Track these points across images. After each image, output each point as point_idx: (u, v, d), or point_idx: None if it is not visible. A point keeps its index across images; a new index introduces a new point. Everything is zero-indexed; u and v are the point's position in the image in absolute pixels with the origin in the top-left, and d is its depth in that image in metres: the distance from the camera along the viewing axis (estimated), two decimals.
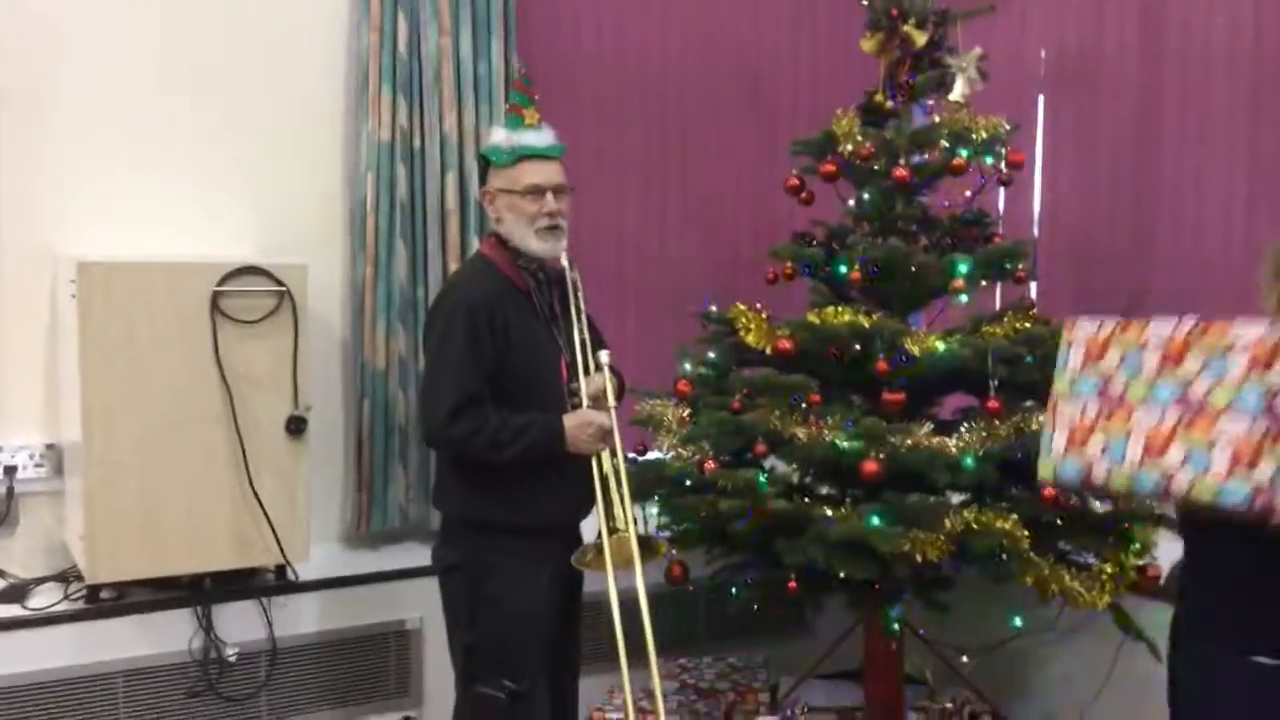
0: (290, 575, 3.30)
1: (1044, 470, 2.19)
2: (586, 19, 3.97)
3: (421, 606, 3.45)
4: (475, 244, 3.56)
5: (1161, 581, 2.86)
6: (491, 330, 2.69)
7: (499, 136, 2.83)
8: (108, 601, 3.14)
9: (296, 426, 3.17)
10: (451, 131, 3.55)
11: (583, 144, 3.78)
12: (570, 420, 2.70)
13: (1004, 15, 3.83)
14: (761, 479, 2.98)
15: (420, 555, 3.40)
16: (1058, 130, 3.92)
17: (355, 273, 3.55)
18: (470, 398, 2.66)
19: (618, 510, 2.65)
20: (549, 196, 2.76)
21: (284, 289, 3.13)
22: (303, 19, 3.51)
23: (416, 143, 3.55)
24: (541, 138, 2.81)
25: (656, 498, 3.26)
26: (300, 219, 3.53)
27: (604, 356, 2.78)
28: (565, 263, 2.80)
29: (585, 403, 2.73)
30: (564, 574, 2.82)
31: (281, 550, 3.17)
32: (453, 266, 3.56)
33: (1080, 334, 2.16)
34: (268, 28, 3.46)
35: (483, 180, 2.88)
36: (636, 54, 4.06)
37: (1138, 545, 2.95)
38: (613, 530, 2.64)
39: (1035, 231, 3.95)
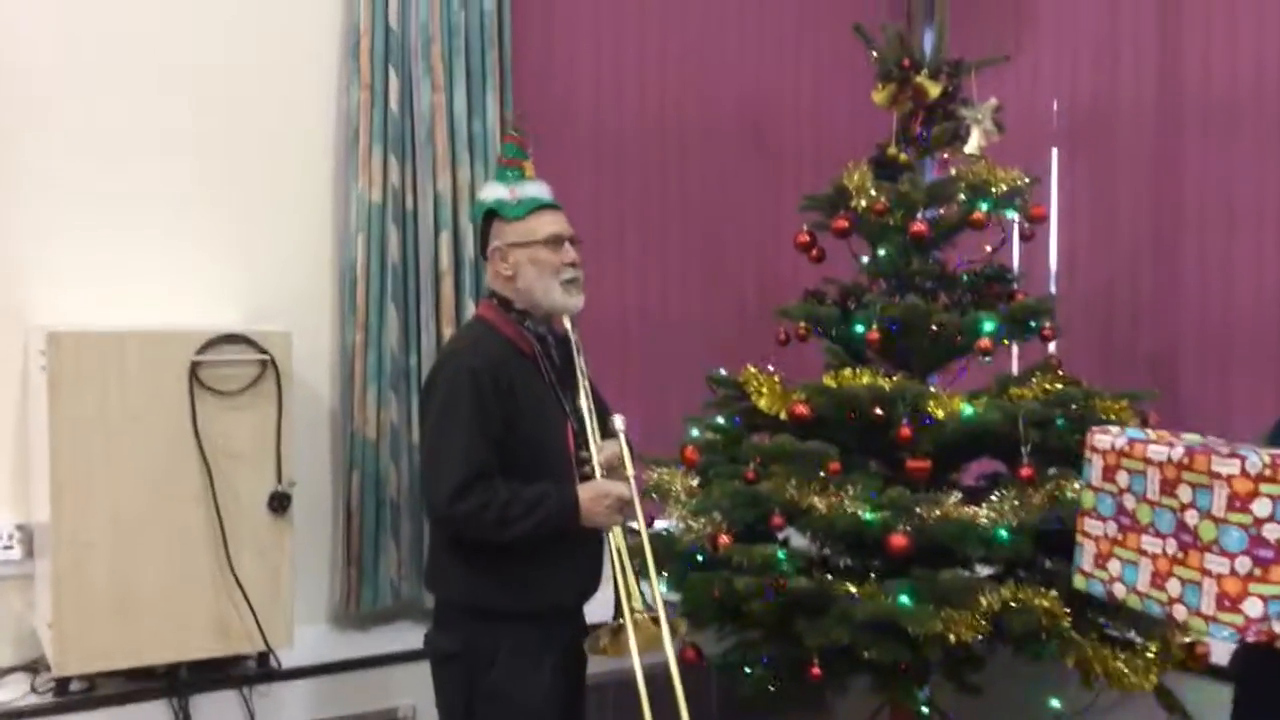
0: (273, 663, 3.10)
1: (1077, 583, 2.29)
2: (584, 71, 3.84)
3: (414, 693, 3.24)
4: (471, 307, 3.39)
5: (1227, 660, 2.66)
6: (498, 396, 2.50)
7: (500, 191, 2.66)
8: (77, 694, 2.93)
9: (280, 504, 3.00)
10: (445, 190, 3.40)
11: (580, 199, 3.63)
12: (585, 492, 2.51)
13: (1016, 67, 3.74)
14: (780, 554, 2.79)
15: (413, 637, 3.19)
16: (1073, 183, 3.80)
17: (344, 339, 3.38)
18: (478, 471, 2.46)
19: (633, 588, 2.45)
20: (568, 246, 2.61)
21: (267, 357, 2.97)
22: (290, 76, 3.37)
23: (409, 203, 3.40)
24: (544, 190, 2.66)
25: (665, 573, 3.07)
26: (286, 283, 3.36)
27: (618, 422, 2.59)
28: (568, 324, 2.62)
29: (599, 472, 2.55)
30: (568, 662, 2.62)
31: (263, 636, 2.99)
32: (447, 331, 3.39)
33: (1100, 445, 2.20)
34: (252, 85, 3.32)
35: (483, 238, 2.70)
36: (636, 107, 3.93)
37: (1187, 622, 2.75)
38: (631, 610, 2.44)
39: (1053, 288, 3.81)
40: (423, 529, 3.39)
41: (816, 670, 2.79)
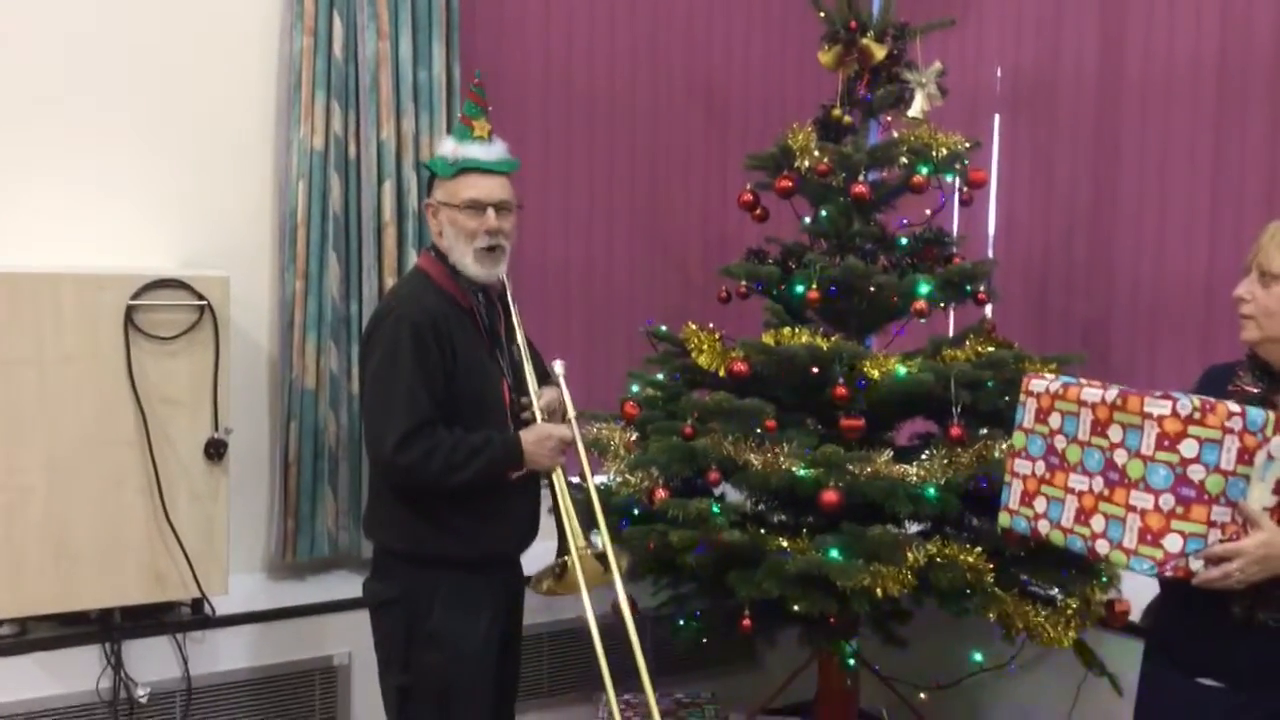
0: (208, 610, 3.09)
1: (1002, 520, 2.31)
2: (534, 26, 3.80)
3: (350, 642, 3.25)
4: (413, 258, 3.38)
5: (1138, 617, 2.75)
6: (439, 348, 2.50)
7: (446, 147, 2.66)
8: (9, 638, 2.91)
9: (216, 450, 2.98)
10: (389, 140, 3.36)
11: (527, 155, 3.61)
12: (528, 435, 2.55)
13: (960, 33, 3.77)
14: (715, 509, 2.83)
15: (350, 586, 3.22)
16: (1014, 149, 3.85)
17: (284, 287, 3.35)
18: (421, 420, 2.47)
19: (576, 527, 2.52)
20: (490, 213, 2.58)
21: (204, 303, 2.94)
22: (232, 19, 3.31)
23: (352, 151, 3.36)
24: (489, 151, 2.63)
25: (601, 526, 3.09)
26: (225, 230, 3.33)
27: (558, 367, 2.64)
28: (504, 279, 2.63)
29: (540, 416, 2.59)
30: (506, 609, 2.66)
31: (198, 583, 2.97)
32: (389, 281, 3.37)
33: (1034, 389, 2.25)
34: (194, 28, 3.26)
35: (428, 191, 2.70)
36: (585, 63, 3.91)
37: (1105, 579, 2.84)
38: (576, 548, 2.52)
39: (990, 252, 3.87)
40: (360, 478, 3.39)
41: (747, 622, 2.84)
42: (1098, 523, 2.04)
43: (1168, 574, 1.95)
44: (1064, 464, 2.13)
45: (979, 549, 2.71)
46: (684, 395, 3.15)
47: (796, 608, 2.73)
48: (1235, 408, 1.94)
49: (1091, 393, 2.09)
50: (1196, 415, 1.92)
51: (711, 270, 3.42)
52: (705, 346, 3.11)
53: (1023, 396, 2.25)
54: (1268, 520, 1.95)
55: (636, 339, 3.41)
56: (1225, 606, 2.03)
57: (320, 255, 3.33)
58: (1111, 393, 2.06)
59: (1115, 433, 2.02)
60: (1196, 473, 1.93)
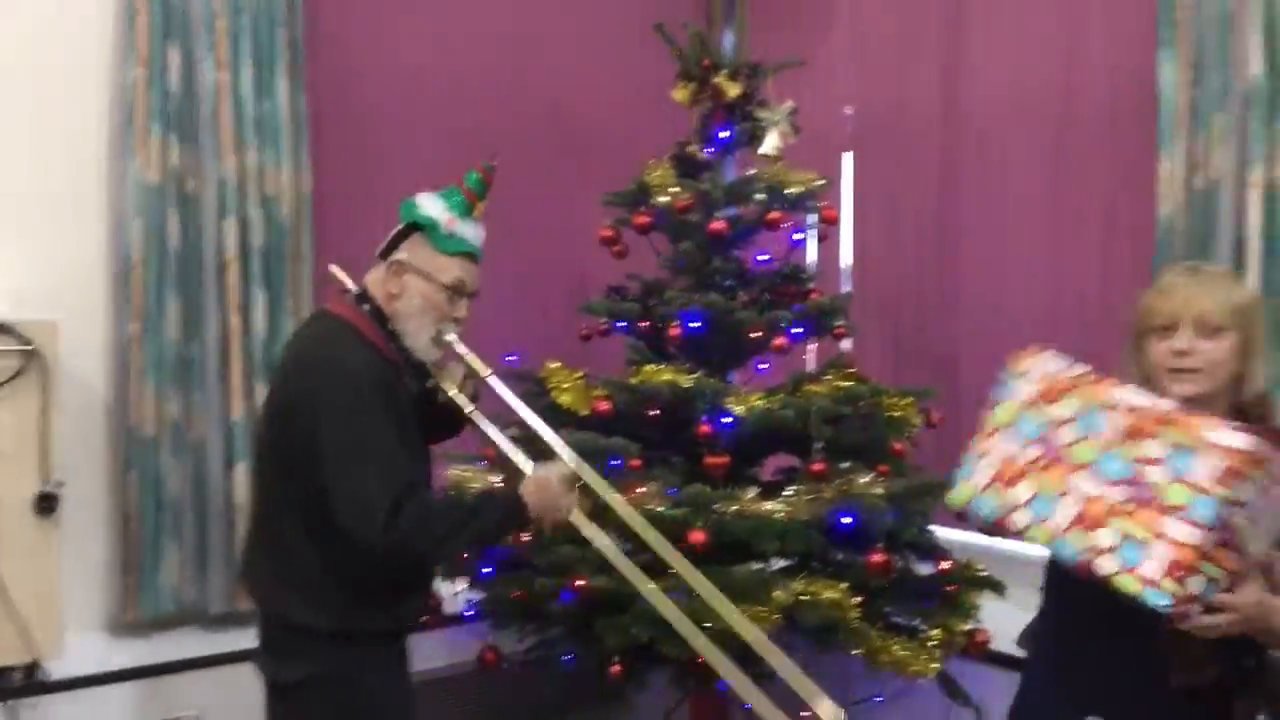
0: (42, 674, 2.82)
1: (959, 496, 1.96)
2: (386, 55, 3.60)
3: (199, 702, 2.99)
4: (259, 297, 3.15)
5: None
6: (395, 407, 2.20)
7: (440, 212, 2.32)
8: None
9: (46, 504, 2.72)
10: (230, 174, 3.12)
11: (379, 189, 3.41)
12: (526, 488, 2.25)
13: (811, 74, 3.72)
14: (577, 554, 2.68)
15: (198, 643, 2.99)
16: (865, 187, 3.83)
17: (119, 329, 3.07)
18: (408, 485, 2.13)
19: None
20: (465, 302, 2.33)
21: (31, 348, 2.69)
22: (63, 48, 3.03)
23: (191, 186, 3.11)
24: (480, 237, 2.38)
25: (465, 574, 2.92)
26: (56, 271, 3.02)
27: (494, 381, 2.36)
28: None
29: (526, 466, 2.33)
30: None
31: (31, 646, 2.71)
32: (233, 321, 3.12)
33: (1039, 369, 1.95)
34: (23, 59, 2.96)
35: (394, 240, 2.34)
36: (439, 95, 3.72)
37: (966, 609, 2.80)
38: None
39: (846, 288, 3.84)
40: (206, 531, 3.13)
41: (618, 669, 2.70)
42: (1107, 537, 1.76)
43: (1175, 615, 1.71)
44: (1067, 460, 1.84)
45: (844, 584, 2.63)
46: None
47: (665, 652, 2.59)
48: (1215, 421, 1.75)
49: (1133, 395, 1.83)
50: (1259, 455, 1.69)
51: (573, 307, 3.28)
52: (567, 385, 2.97)
53: (1015, 372, 1.97)
54: (1258, 576, 1.79)
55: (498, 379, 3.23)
56: (1127, 644, 1.91)
57: (158, 295, 3.06)
58: (1166, 403, 1.81)
59: (1156, 449, 1.75)
60: (1238, 518, 1.71)
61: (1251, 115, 2.80)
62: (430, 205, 2.34)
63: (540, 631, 2.99)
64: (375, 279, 2.32)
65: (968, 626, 2.79)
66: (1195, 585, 1.70)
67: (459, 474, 2.97)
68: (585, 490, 2.35)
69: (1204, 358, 1.92)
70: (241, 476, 3.15)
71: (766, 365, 3.21)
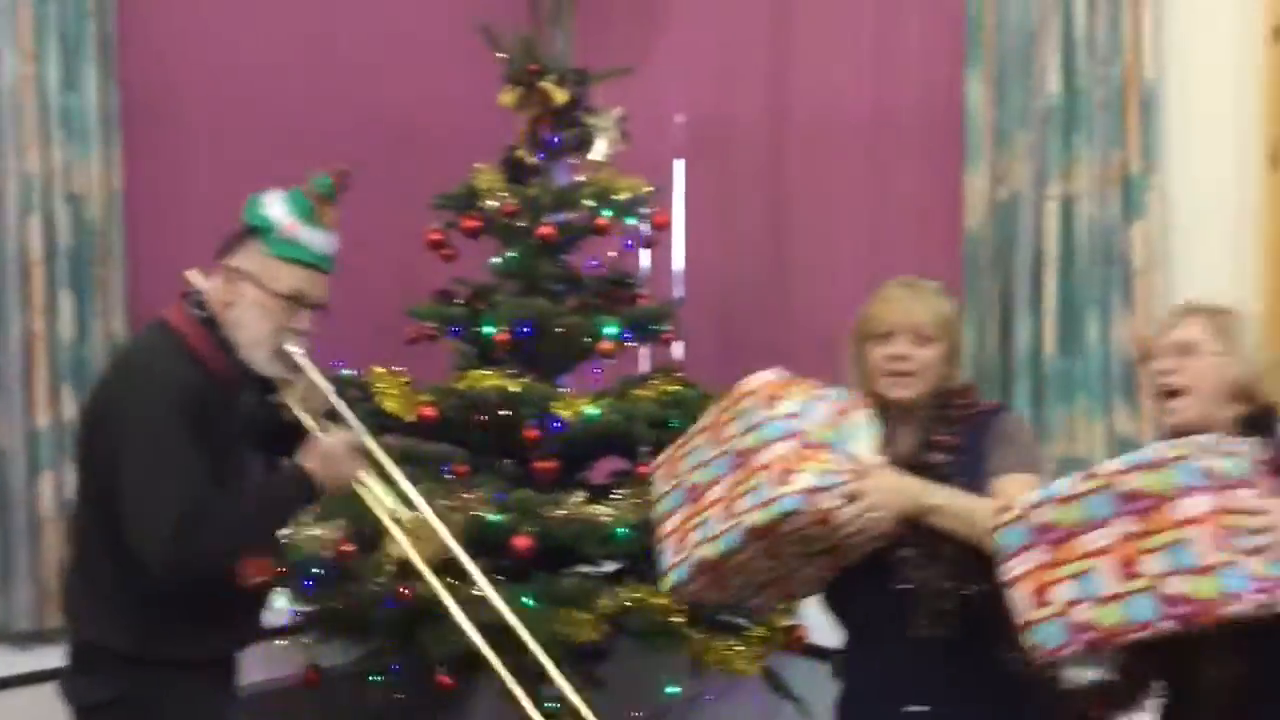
0: None
1: (663, 585, 2.15)
2: (207, 49, 3.43)
3: None
4: (66, 300, 2.98)
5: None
6: (201, 424, 2.05)
7: (283, 215, 2.16)
8: None
9: None
10: (35, 170, 2.94)
11: (193, 186, 3.28)
12: (307, 458, 2.13)
13: (642, 81, 3.74)
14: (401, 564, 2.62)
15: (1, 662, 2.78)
16: (697, 194, 3.88)
17: None
18: (196, 499, 2.02)
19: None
20: (307, 313, 2.18)
21: None
22: None
23: None
24: (328, 245, 2.20)
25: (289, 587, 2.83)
26: None
27: (298, 352, 2.17)
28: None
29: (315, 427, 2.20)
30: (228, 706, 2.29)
31: None
32: (37, 325, 2.95)
33: (658, 463, 2.20)
34: None
35: (232, 242, 2.20)
36: (260, 91, 3.56)
37: (785, 607, 2.85)
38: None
39: (679, 294, 3.87)
40: (9, 544, 2.95)
41: (445, 679, 2.65)
42: (741, 504, 1.94)
43: (809, 509, 1.89)
44: (698, 493, 2.04)
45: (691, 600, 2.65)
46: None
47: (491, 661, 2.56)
48: (817, 383, 2.06)
49: (699, 424, 2.11)
50: (785, 383, 2.02)
51: (401, 312, 3.21)
52: (392, 391, 2.90)
53: (654, 476, 2.20)
54: (879, 462, 2.01)
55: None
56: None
57: None
58: (709, 416, 2.10)
59: (730, 428, 2.01)
60: (800, 425, 1.96)
61: (1049, 132, 2.95)
62: (272, 206, 2.17)
63: (366, 642, 2.91)
64: (214, 285, 2.17)
65: (788, 623, 2.85)
66: (809, 479, 1.88)
67: None
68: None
69: (917, 363, 2.10)
70: (48, 486, 2.97)
71: (600, 370, 3.21)
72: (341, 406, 2.24)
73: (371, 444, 2.23)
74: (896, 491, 1.97)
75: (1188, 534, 1.63)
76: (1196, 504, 1.63)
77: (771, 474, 1.89)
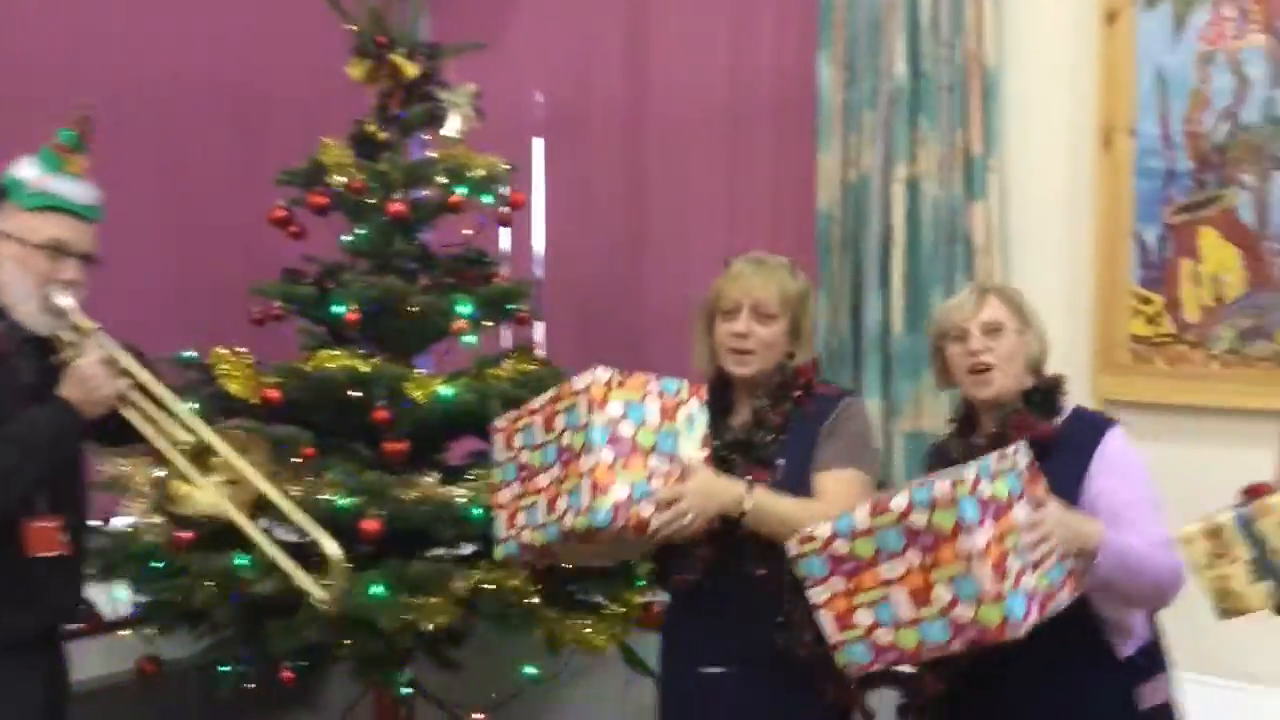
0: None
1: (498, 554, 2.19)
2: (51, 19, 3.23)
3: None
4: None
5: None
6: None
7: (26, 171, 2.14)
8: None
9: None
10: None
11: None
12: (66, 386, 2.07)
13: (500, 58, 3.68)
14: (241, 560, 2.52)
15: None
16: (556, 173, 3.83)
17: None
18: None
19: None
20: (72, 262, 2.11)
21: None
22: None
23: None
24: (83, 193, 2.17)
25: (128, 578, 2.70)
26: None
27: (63, 300, 2.11)
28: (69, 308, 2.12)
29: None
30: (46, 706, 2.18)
31: None
32: None
33: (499, 425, 2.18)
34: None
35: None
36: (93, 61, 3.36)
37: (642, 582, 2.85)
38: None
39: (540, 273, 3.82)
40: None
41: (289, 674, 2.56)
42: (563, 503, 2.00)
43: (622, 521, 1.96)
44: (531, 473, 2.08)
45: (525, 571, 2.61)
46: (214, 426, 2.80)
47: (340, 653, 2.50)
48: (647, 375, 2.06)
49: (538, 401, 2.11)
50: (617, 381, 2.01)
51: (248, 291, 3.08)
52: (235, 372, 2.79)
53: (495, 432, 2.20)
54: (701, 465, 2.05)
55: (165, 367, 2.99)
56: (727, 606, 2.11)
57: None
58: (545, 396, 2.10)
59: (560, 420, 2.03)
60: (626, 429, 1.98)
61: (896, 114, 3.00)
62: (20, 168, 2.16)
63: (208, 635, 2.80)
64: None
65: (644, 599, 2.85)
66: (621, 491, 1.97)
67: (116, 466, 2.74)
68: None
69: (758, 340, 2.14)
70: None
71: (461, 350, 3.14)
72: (113, 347, 2.16)
73: (130, 362, 2.16)
74: (712, 496, 2.03)
75: (972, 567, 1.76)
76: (976, 540, 1.75)
77: (588, 483, 1.95)
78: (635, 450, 1.99)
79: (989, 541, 1.75)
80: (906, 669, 2.14)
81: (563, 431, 2.02)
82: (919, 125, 2.98)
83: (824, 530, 1.87)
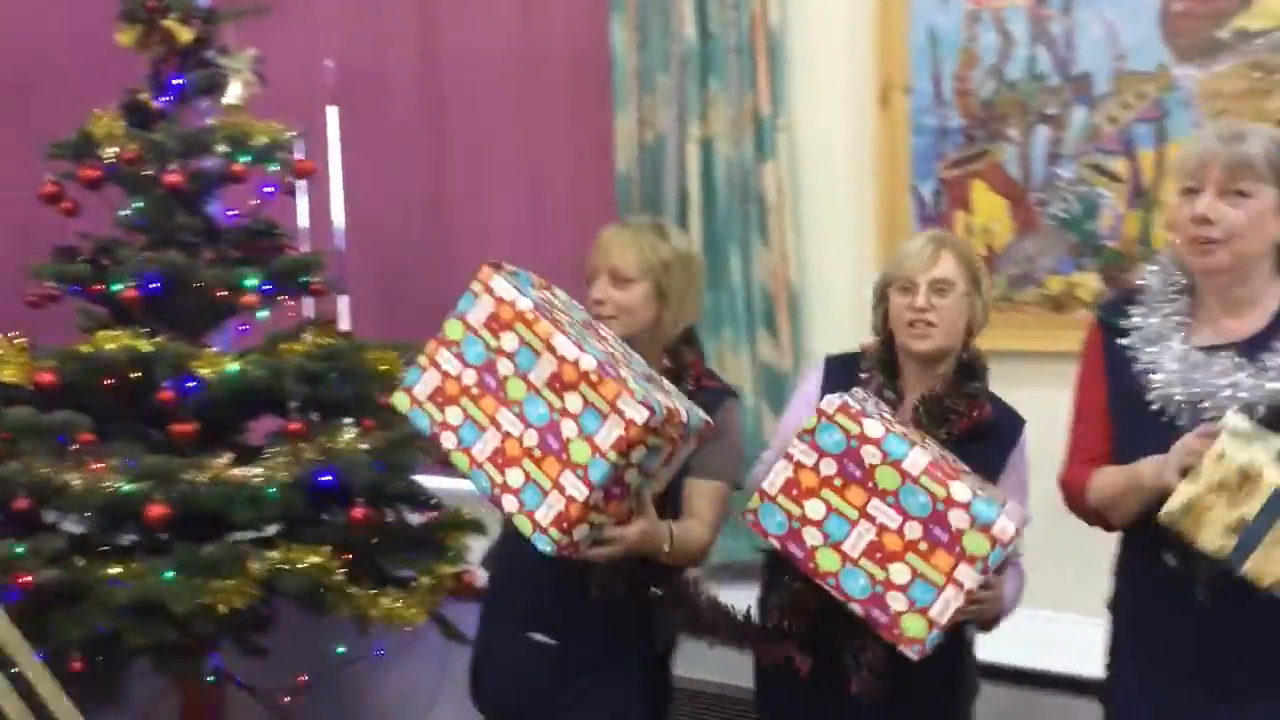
0: None
1: (399, 400, 1.94)
2: None
3: None
4: None
5: None
6: None
7: None
8: None
9: None
10: None
11: None
12: None
13: (287, 23, 3.53)
14: (19, 549, 2.38)
15: None
16: (352, 141, 3.71)
17: None
18: None
19: None
20: None
21: None
22: None
23: None
24: None
25: None
26: None
27: None
28: None
29: None
30: None
31: None
32: None
33: (497, 290, 1.90)
34: None
35: None
36: None
37: (453, 553, 2.82)
38: None
39: (341, 244, 3.71)
40: None
41: (77, 665, 2.44)
42: (515, 477, 1.80)
43: (558, 553, 1.81)
44: (500, 393, 1.83)
45: (327, 547, 2.55)
46: None
47: (135, 643, 2.39)
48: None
49: (568, 347, 1.80)
50: (655, 424, 1.76)
51: (19, 271, 2.89)
52: (8, 358, 2.61)
53: (477, 287, 1.92)
54: (651, 509, 1.93)
55: None
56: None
57: None
58: (589, 361, 1.78)
59: (574, 403, 1.78)
60: (632, 476, 1.82)
61: (687, 76, 3.02)
62: None
63: None
64: None
65: (457, 569, 2.82)
66: (579, 534, 1.80)
67: None
68: None
69: (614, 305, 2.11)
70: None
71: (247, 327, 3.02)
72: None
73: None
74: (644, 545, 1.92)
75: (944, 586, 1.74)
76: (971, 577, 1.74)
77: (562, 508, 1.77)
78: (621, 496, 1.83)
79: (976, 583, 1.75)
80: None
81: (571, 417, 1.77)
82: (709, 87, 3.01)
83: (875, 430, 1.78)
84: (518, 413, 1.82)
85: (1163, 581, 1.81)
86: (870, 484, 1.78)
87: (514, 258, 3.42)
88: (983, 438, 2.03)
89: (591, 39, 3.26)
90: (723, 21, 2.99)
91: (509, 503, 1.81)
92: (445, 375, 1.88)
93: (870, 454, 1.78)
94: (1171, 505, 1.66)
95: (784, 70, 2.98)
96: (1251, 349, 1.77)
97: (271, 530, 2.77)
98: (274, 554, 2.49)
